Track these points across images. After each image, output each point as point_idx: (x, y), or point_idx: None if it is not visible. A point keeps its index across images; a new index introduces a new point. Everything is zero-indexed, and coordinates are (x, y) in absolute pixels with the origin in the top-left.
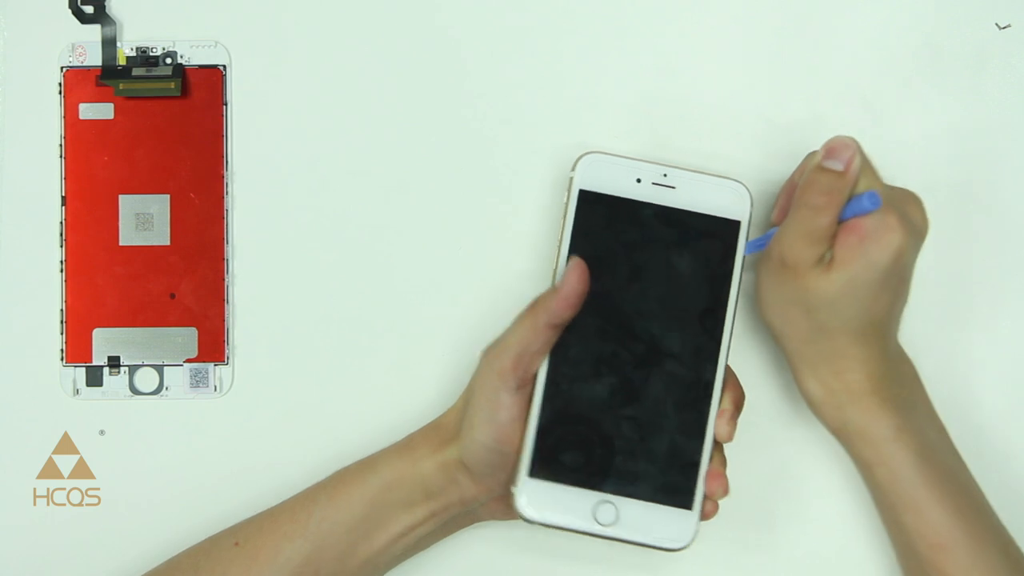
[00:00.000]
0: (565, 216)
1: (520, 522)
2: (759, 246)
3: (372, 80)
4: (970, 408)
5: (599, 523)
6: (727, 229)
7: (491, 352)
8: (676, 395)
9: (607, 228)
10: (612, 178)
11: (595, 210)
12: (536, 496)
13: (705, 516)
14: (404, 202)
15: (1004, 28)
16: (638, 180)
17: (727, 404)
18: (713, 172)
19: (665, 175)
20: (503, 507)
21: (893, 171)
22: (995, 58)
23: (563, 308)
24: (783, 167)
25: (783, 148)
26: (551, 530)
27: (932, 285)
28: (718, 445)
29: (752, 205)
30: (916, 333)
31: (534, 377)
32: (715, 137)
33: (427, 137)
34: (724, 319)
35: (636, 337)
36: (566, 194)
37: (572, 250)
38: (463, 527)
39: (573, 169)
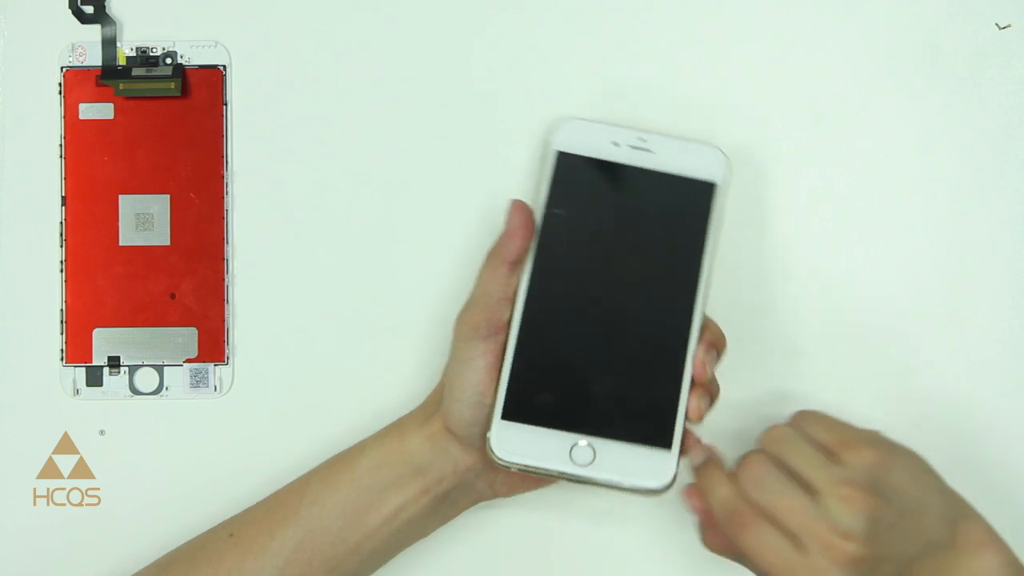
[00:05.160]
0: (542, 176)
1: (519, 502)
2: None
3: (372, 80)
4: (971, 408)
5: (575, 463)
6: (702, 190)
7: (461, 311)
8: (652, 339)
9: (584, 187)
10: (590, 141)
11: (572, 171)
12: (509, 438)
13: (685, 452)
14: (404, 202)
15: (1004, 28)
16: (615, 144)
17: (704, 343)
18: (690, 137)
19: (643, 139)
20: (501, 478)
21: (893, 171)
22: (995, 58)
23: (510, 242)
24: (785, 169)
25: (784, 149)
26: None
27: (932, 284)
28: (705, 385)
29: (728, 169)
30: (917, 333)
31: (507, 327)
32: (713, 139)
33: (428, 137)
34: (700, 268)
35: (611, 287)
36: (543, 157)
37: (547, 206)
38: (464, 508)
39: (553, 132)
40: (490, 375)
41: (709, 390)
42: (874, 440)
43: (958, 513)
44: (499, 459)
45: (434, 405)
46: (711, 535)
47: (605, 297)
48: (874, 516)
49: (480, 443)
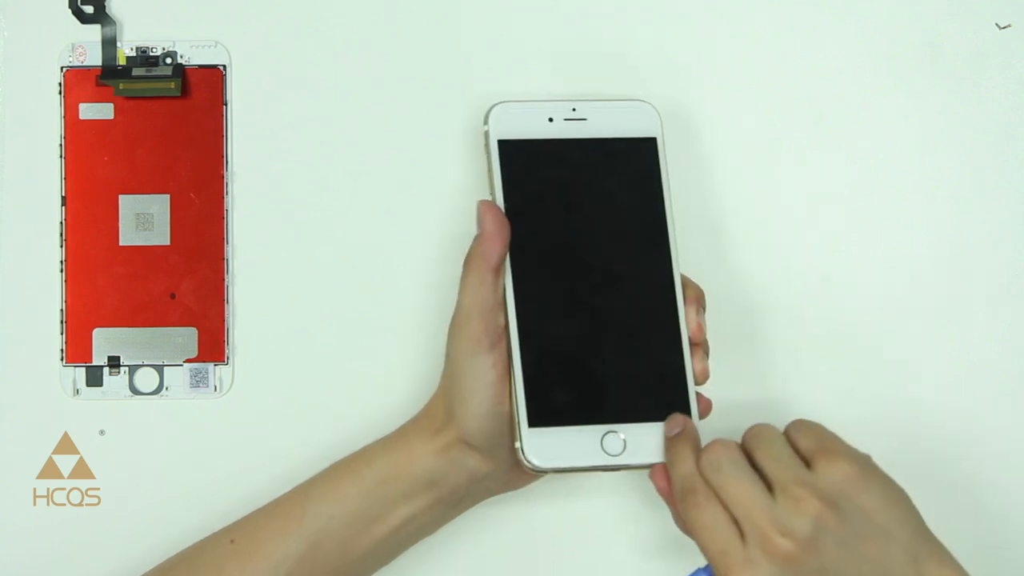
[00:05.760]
0: (491, 169)
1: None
2: None
3: (372, 80)
4: (970, 408)
5: (609, 455)
6: (645, 147)
7: (455, 325)
8: (644, 312)
9: (534, 171)
10: (525, 123)
11: (518, 157)
12: (541, 444)
13: (702, 415)
14: (404, 202)
15: (1004, 28)
16: (550, 119)
17: (691, 303)
18: (617, 97)
19: (574, 109)
20: (518, 475)
21: (893, 171)
22: (995, 58)
23: (493, 246)
24: (785, 169)
25: (784, 149)
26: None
27: (932, 285)
28: (702, 344)
29: (661, 121)
30: (917, 333)
31: (504, 332)
32: (714, 139)
33: (428, 137)
34: (667, 229)
35: (591, 267)
36: (485, 148)
37: (506, 200)
38: (473, 506)
39: (486, 122)
40: (503, 384)
41: (705, 348)
42: (857, 459)
43: (929, 554)
44: (536, 467)
45: (439, 416)
46: (678, 514)
47: (589, 279)
48: (822, 525)
49: (501, 451)
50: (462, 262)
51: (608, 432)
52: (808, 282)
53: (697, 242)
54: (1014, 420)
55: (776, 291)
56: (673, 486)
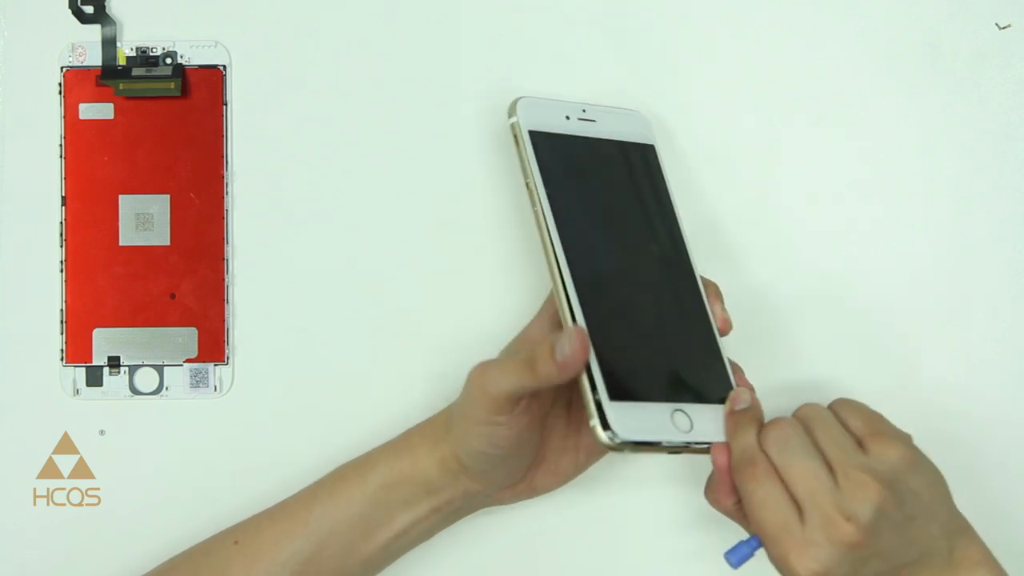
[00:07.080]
0: (525, 159)
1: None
2: (745, 556)
3: (372, 80)
4: (970, 408)
5: (680, 430)
6: (647, 152)
7: (486, 374)
8: (678, 304)
9: (563, 164)
10: (549, 118)
11: (547, 149)
12: (622, 417)
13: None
14: (404, 202)
15: (1004, 28)
16: (567, 117)
17: (715, 300)
18: (613, 105)
19: (584, 111)
20: (509, 493)
21: (893, 171)
22: (995, 58)
23: (560, 372)
24: (785, 169)
25: (784, 149)
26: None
27: (932, 285)
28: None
29: (654, 130)
30: (917, 333)
31: (535, 404)
32: (714, 139)
33: (428, 136)
34: (679, 225)
35: (629, 260)
36: (514, 140)
37: (547, 191)
38: (470, 513)
39: (512, 114)
40: (511, 439)
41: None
42: (907, 441)
43: (959, 531)
44: (619, 439)
45: (441, 426)
46: (716, 490)
47: (628, 272)
48: (882, 509)
49: (493, 476)
50: (458, 257)
51: (676, 410)
52: (807, 282)
53: (696, 242)
54: (1014, 420)
55: (775, 291)
56: (733, 457)
